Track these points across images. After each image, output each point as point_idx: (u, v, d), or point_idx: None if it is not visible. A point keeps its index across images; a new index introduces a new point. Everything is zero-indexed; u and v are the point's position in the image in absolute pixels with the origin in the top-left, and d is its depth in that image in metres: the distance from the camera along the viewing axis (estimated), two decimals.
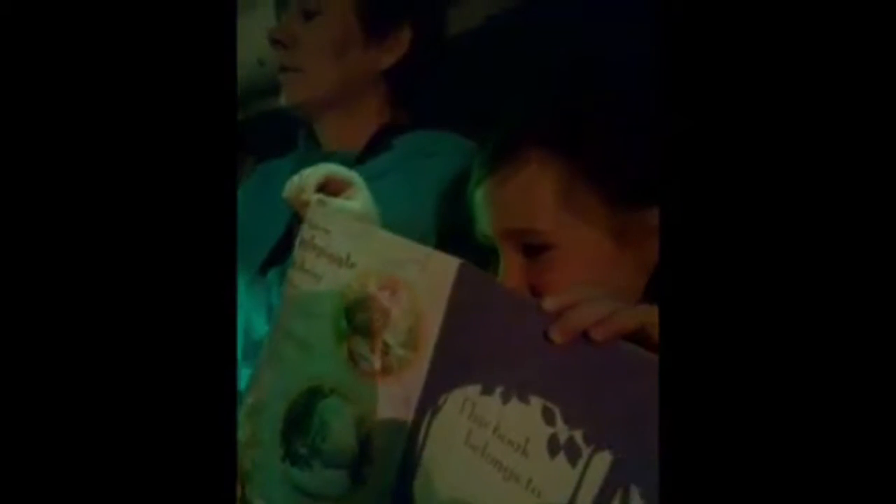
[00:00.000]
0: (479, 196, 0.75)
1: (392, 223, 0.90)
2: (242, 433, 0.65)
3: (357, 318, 0.60)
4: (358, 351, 0.60)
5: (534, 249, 0.71)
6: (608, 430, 0.52)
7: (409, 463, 0.58)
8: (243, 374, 0.86)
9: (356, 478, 0.59)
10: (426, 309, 0.58)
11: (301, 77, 1.00)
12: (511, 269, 0.73)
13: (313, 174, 0.71)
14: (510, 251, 0.73)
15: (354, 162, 1.01)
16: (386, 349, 0.59)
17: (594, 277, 0.70)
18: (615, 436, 0.51)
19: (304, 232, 0.65)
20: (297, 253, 0.65)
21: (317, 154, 1.06)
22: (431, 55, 1.04)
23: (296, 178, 0.71)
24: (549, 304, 0.55)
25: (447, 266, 0.58)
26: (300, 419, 0.61)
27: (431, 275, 0.58)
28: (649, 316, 0.53)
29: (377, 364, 0.59)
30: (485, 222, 0.75)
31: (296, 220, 1.00)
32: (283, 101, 1.02)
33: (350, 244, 0.62)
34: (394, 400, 0.58)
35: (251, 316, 0.88)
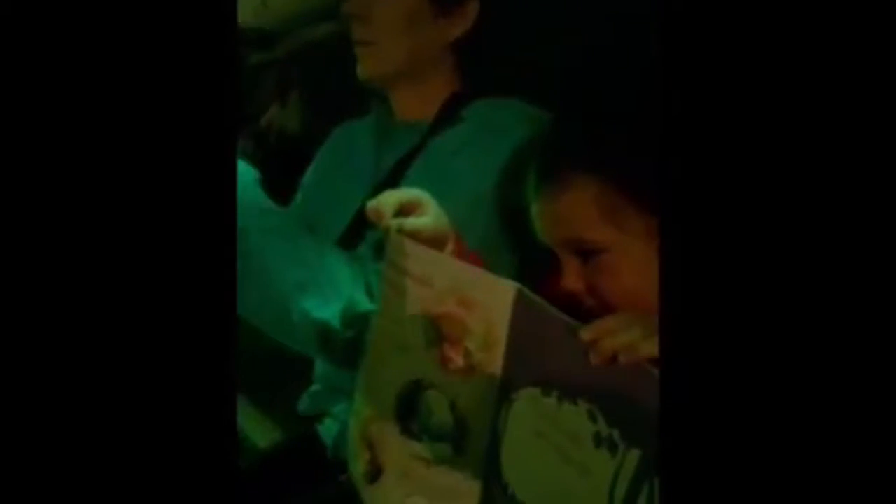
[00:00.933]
0: (535, 211, 0.85)
1: (465, 201, 0.94)
2: (359, 405, 0.84)
3: (444, 328, 0.75)
4: (447, 354, 0.75)
5: (588, 254, 0.80)
6: (637, 433, 0.63)
7: (494, 440, 0.73)
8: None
9: (457, 448, 0.76)
10: (495, 321, 0.72)
11: (375, 51, 1.03)
12: (570, 273, 0.82)
13: (388, 202, 0.80)
14: (567, 256, 0.82)
15: (427, 133, 1.04)
16: (468, 353, 0.74)
17: (640, 280, 0.78)
18: (642, 437, 0.63)
19: (389, 254, 0.80)
20: (386, 271, 0.80)
21: (391, 122, 1.09)
22: (498, 25, 1.05)
23: (373, 203, 0.80)
24: (586, 334, 0.67)
25: (507, 289, 0.71)
26: (409, 405, 0.79)
27: (496, 295, 0.72)
28: None
29: (462, 363, 0.74)
30: (542, 232, 0.84)
31: (379, 187, 1.04)
32: (358, 74, 1.05)
33: (428, 268, 0.76)
34: (477, 391, 0.74)
35: (355, 292, 0.93)
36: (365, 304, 0.92)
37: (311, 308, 0.91)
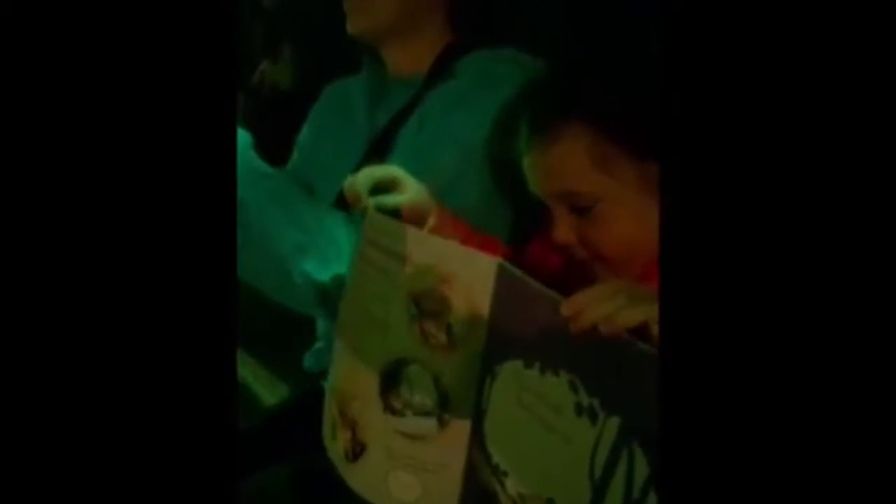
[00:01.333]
0: (527, 163, 0.84)
1: (460, 155, 0.94)
2: (338, 384, 0.83)
3: (424, 305, 0.75)
4: (429, 330, 0.75)
5: (581, 209, 0.80)
6: (617, 401, 0.63)
7: (478, 413, 0.74)
8: None
9: (441, 422, 0.76)
10: (476, 297, 0.72)
11: (366, 4, 1.02)
12: (563, 226, 0.81)
13: (363, 182, 0.81)
14: (560, 210, 0.82)
15: (422, 88, 1.03)
16: (450, 329, 0.74)
17: (634, 228, 0.79)
18: (622, 406, 0.63)
19: (367, 232, 0.80)
20: (363, 248, 0.80)
21: (384, 77, 1.08)
22: None
23: (348, 183, 0.81)
24: (566, 309, 0.65)
25: (489, 265, 0.71)
26: (392, 381, 0.78)
27: (477, 270, 0.72)
28: (649, 313, 0.62)
29: (444, 340, 0.74)
30: (534, 185, 0.83)
31: (374, 145, 1.04)
32: (348, 29, 1.03)
33: (407, 245, 0.76)
34: (460, 366, 0.74)
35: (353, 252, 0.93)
36: None
37: (312, 270, 0.92)
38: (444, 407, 0.75)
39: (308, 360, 1.13)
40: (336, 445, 0.84)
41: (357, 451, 0.82)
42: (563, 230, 0.81)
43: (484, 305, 0.71)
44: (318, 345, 1.12)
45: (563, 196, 0.81)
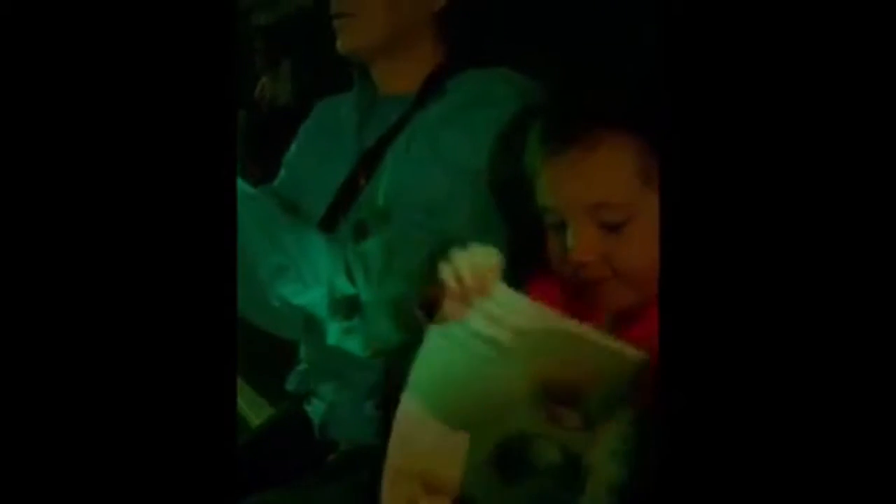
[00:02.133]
0: (546, 176, 0.79)
1: (453, 176, 0.92)
2: (417, 455, 0.78)
3: (555, 391, 0.73)
4: (560, 414, 0.73)
5: (612, 225, 0.76)
6: None
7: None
8: (331, 329, 0.93)
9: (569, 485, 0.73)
10: (615, 389, 0.70)
11: (356, 22, 1.00)
12: (586, 240, 0.77)
13: (482, 262, 0.76)
14: (584, 225, 0.77)
15: (412, 106, 1.02)
16: (587, 414, 0.72)
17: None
18: None
19: (491, 309, 0.75)
20: (476, 323, 0.76)
21: (374, 96, 1.06)
22: None
23: (447, 269, 0.76)
24: None
25: (633, 361, 0.69)
26: (511, 453, 0.75)
27: (619, 366, 0.69)
28: None
29: (579, 422, 0.72)
30: (552, 198, 0.79)
31: (361, 163, 1.02)
32: (338, 47, 1.02)
33: (537, 325, 0.73)
34: (596, 437, 0.72)
35: (334, 276, 0.92)
36: (346, 287, 0.91)
37: (290, 294, 0.90)
38: (574, 471, 0.73)
39: (291, 382, 1.11)
40: None
41: None
42: (584, 246, 0.77)
43: (623, 395, 0.70)
44: (301, 367, 1.10)
45: (593, 209, 0.77)
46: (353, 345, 0.93)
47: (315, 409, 1.06)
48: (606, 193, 0.76)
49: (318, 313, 0.92)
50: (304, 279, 0.90)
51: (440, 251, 0.90)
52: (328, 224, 1.01)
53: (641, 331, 0.75)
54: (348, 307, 0.91)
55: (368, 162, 1.02)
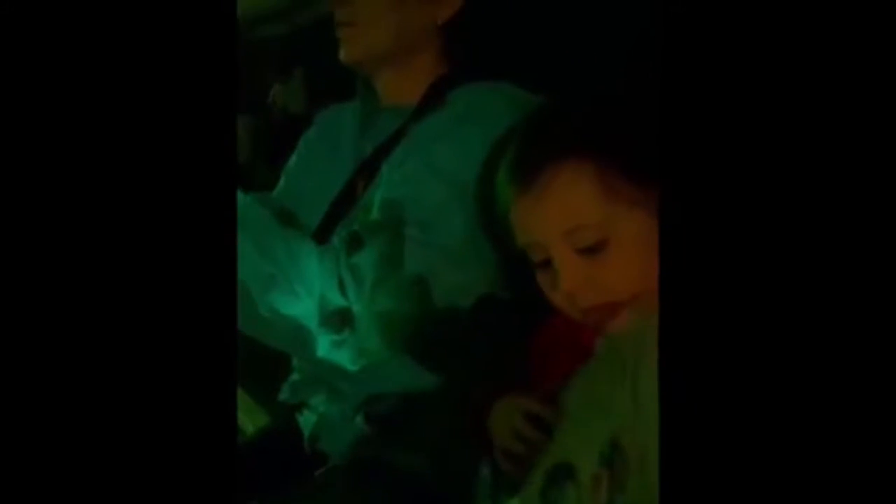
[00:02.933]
0: (518, 212, 0.79)
1: (445, 191, 0.92)
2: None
3: None
4: None
5: (589, 249, 0.76)
6: None
7: None
8: (321, 341, 0.92)
9: None
10: None
11: (359, 32, 1.00)
12: (569, 269, 0.76)
13: None
14: (565, 253, 0.76)
15: (411, 117, 1.01)
16: None
17: (649, 260, 0.71)
18: None
19: None
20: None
21: (377, 106, 1.06)
22: (487, 8, 1.02)
23: None
24: None
25: None
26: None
27: None
28: None
29: None
30: (525, 234, 0.79)
31: (358, 172, 1.02)
32: (341, 57, 1.02)
33: None
34: None
35: (326, 288, 0.91)
36: (337, 299, 0.90)
37: (280, 304, 0.90)
38: None
39: (284, 392, 1.10)
40: None
41: None
42: (568, 274, 0.76)
43: None
44: (294, 376, 1.09)
45: (567, 235, 0.76)
46: (343, 358, 0.92)
47: (306, 421, 1.05)
48: (574, 217, 0.76)
49: (309, 325, 0.91)
50: (294, 290, 0.90)
51: (432, 266, 0.90)
52: (323, 233, 1.00)
53: None
54: (339, 320, 0.90)
55: (366, 172, 1.01)
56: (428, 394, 0.95)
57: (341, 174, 1.04)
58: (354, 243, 0.91)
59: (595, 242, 0.75)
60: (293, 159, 1.17)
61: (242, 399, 1.32)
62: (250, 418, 1.30)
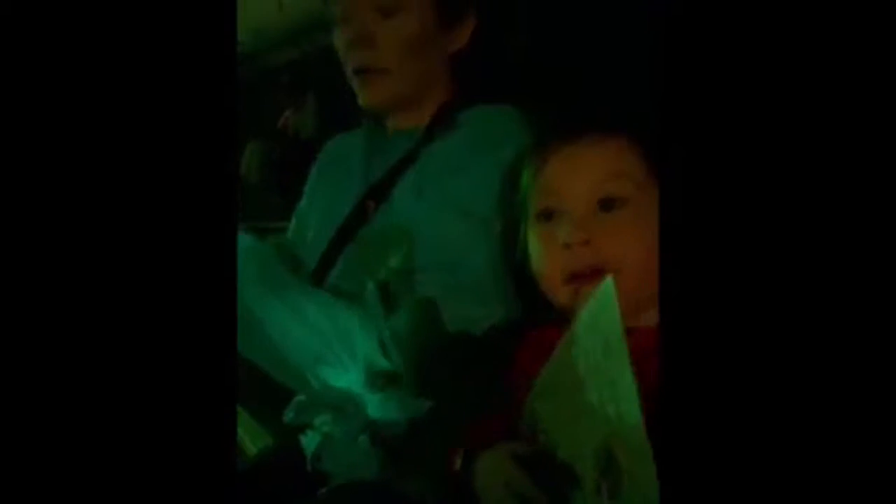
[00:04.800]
0: (549, 169, 0.82)
1: (465, 227, 0.92)
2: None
3: None
4: None
5: (609, 203, 0.78)
6: None
7: None
8: (370, 402, 0.93)
9: None
10: None
11: (385, 77, 1.00)
12: (581, 217, 0.78)
13: None
14: (587, 200, 0.79)
15: (420, 141, 1.02)
16: None
17: (648, 243, 0.75)
18: None
19: None
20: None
21: (384, 132, 1.06)
22: (496, 34, 1.03)
23: None
24: None
25: None
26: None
27: None
28: None
29: None
30: (551, 194, 0.81)
31: (365, 199, 1.02)
32: (361, 102, 1.02)
33: None
34: None
35: (369, 353, 0.91)
36: (382, 363, 0.91)
37: (330, 377, 0.91)
38: None
39: (289, 413, 1.09)
40: None
41: None
42: (580, 223, 0.78)
43: None
44: (300, 397, 1.09)
45: (599, 184, 0.79)
46: (392, 412, 0.92)
47: (309, 441, 1.04)
48: (615, 170, 0.79)
49: (358, 390, 0.92)
50: (342, 362, 0.90)
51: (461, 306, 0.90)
52: (319, 275, 1.00)
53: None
54: (386, 381, 0.91)
55: (374, 193, 1.01)
56: (432, 418, 0.95)
57: (346, 200, 1.04)
58: (387, 297, 0.92)
59: (621, 196, 0.78)
60: (303, 198, 1.17)
61: (246, 421, 1.32)
62: (253, 440, 1.29)
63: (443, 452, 0.90)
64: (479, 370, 0.90)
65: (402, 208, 1.00)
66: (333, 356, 0.91)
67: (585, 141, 0.80)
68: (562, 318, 0.78)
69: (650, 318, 0.76)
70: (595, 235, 0.77)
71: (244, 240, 0.94)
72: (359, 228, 1.03)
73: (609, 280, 0.69)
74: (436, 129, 1.02)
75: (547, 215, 0.81)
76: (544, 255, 0.81)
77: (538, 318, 0.85)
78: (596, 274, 0.76)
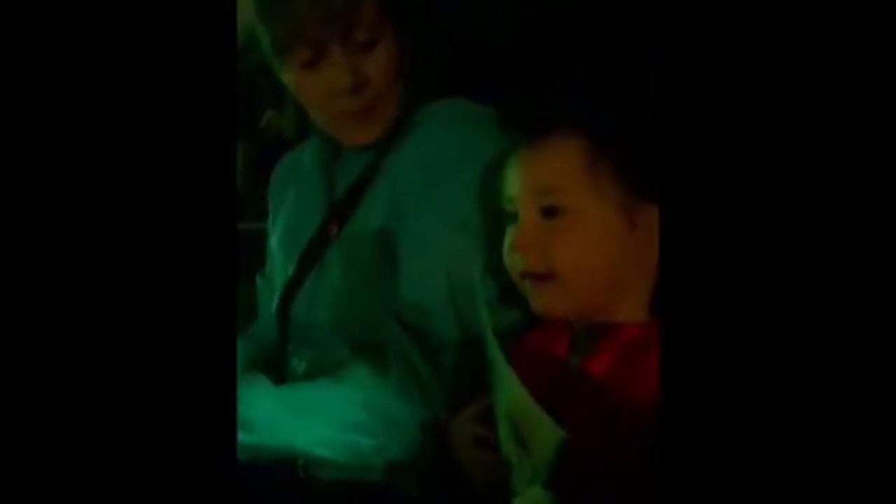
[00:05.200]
0: (514, 161, 0.85)
1: (459, 238, 0.94)
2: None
3: None
4: None
5: (552, 211, 0.80)
6: None
7: None
8: None
9: None
10: None
11: (377, 111, 1.00)
12: (527, 225, 0.82)
13: None
14: (530, 209, 0.82)
15: (376, 155, 1.02)
16: None
17: (600, 251, 0.80)
18: None
19: None
20: None
21: (338, 146, 1.06)
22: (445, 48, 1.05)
23: None
24: None
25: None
26: None
27: None
28: None
29: None
30: (513, 184, 0.84)
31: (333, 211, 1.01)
32: (348, 142, 1.02)
33: None
34: None
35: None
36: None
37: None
38: None
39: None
40: None
41: None
42: (525, 227, 0.81)
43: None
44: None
45: (538, 192, 0.81)
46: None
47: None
48: (551, 177, 0.81)
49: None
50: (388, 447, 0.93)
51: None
52: (293, 288, 1.00)
53: (600, 364, 0.78)
54: None
55: (340, 209, 1.02)
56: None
57: (310, 219, 1.05)
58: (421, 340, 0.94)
59: (558, 206, 0.80)
60: (271, 236, 1.16)
61: None
62: None
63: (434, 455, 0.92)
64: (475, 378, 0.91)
65: (376, 222, 1.00)
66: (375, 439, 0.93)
67: (540, 144, 0.83)
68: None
69: (629, 312, 0.78)
70: (539, 242, 0.81)
71: None
72: (323, 252, 1.03)
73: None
74: (394, 139, 1.02)
75: (514, 217, 0.85)
76: (505, 255, 0.85)
77: (531, 321, 0.88)
78: (543, 278, 0.81)
